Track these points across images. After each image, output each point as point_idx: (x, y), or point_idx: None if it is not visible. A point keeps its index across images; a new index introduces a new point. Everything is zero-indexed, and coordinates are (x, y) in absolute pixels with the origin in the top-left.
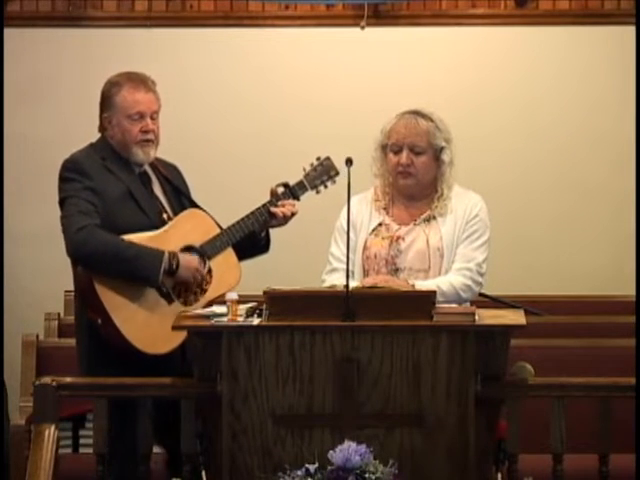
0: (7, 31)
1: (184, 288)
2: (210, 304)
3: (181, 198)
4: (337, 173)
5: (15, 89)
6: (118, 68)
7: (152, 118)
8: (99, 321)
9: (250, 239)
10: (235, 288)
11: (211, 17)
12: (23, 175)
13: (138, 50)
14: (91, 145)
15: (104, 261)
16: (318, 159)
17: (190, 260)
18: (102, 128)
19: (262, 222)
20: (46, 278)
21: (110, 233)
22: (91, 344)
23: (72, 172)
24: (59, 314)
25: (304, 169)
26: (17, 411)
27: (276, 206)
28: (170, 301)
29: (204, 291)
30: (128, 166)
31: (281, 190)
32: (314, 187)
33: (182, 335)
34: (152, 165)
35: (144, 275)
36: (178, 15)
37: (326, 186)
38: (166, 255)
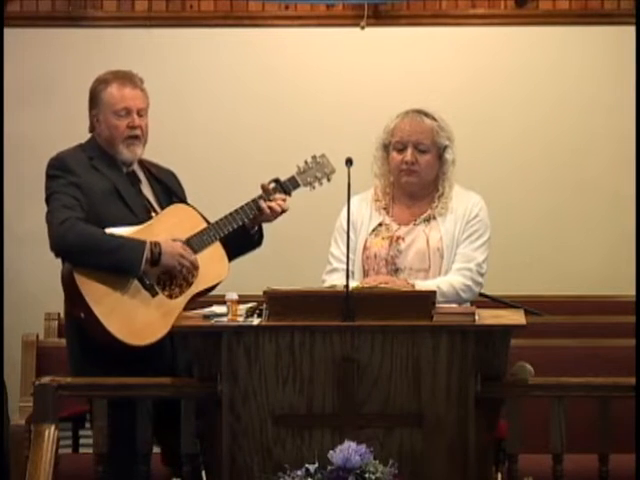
0: (7, 31)
1: (169, 281)
2: (195, 297)
3: (172, 198)
4: (333, 171)
5: (15, 89)
6: (118, 68)
7: (139, 115)
8: (82, 315)
9: (242, 234)
10: (235, 286)
11: (211, 17)
12: (23, 175)
13: (138, 50)
14: (80, 145)
15: (85, 253)
16: (313, 157)
17: (173, 246)
18: (92, 127)
19: (251, 217)
20: (46, 278)
21: (93, 226)
22: (79, 343)
23: (56, 169)
24: (59, 314)
25: (298, 166)
26: (17, 411)
27: (266, 201)
28: (154, 294)
29: (190, 284)
30: (115, 165)
31: (272, 186)
32: (307, 183)
33: (166, 327)
34: (143, 166)
35: (125, 266)
36: (178, 15)
37: (321, 183)
38: (148, 244)
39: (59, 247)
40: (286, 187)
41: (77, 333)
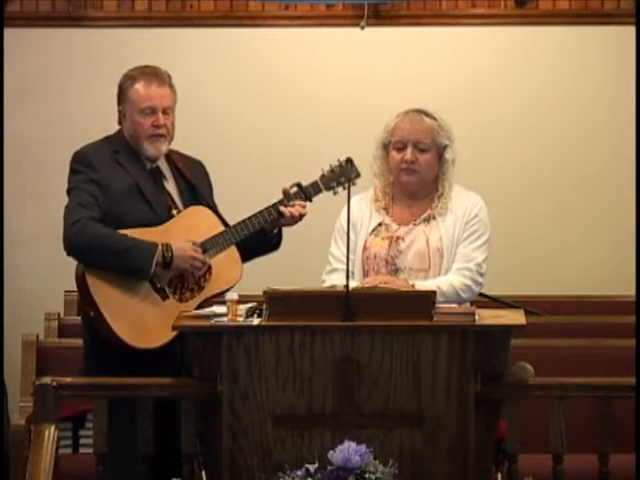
0: (7, 31)
1: (181, 284)
2: (207, 301)
3: (197, 196)
4: (358, 175)
5: (15, 89)
6: (118, 68)
7: (165, 113)
8: (91, 314)
9: (260, 236)
10: (235, 286)
11: (211, 17)
12: (23, 175)
13: (138, 50)
14: (107, 137)
15: (95, 254)
16: (339, 161)
17: (184, 248)
18: (120, 121)
19: (270, 221)
20: (46, 278)
21: (105, 226)
22: (91, 342)
23: (79, 164)
24: (59, 314)
25: (322, 170)
26: (17, 411)
27: (286, 206)
28: (164, 297)
29: (201, 288)
30: (139, 161)
31: (294, 190)
32: (330, 188)
33: (174, 331)
34: (169, 160)
35: (135, 267)
36: (178, 15)
37: (344, 187)
38: (159, 247)
39: (71, 247)
40: (307, 192)
41: (90, 331)
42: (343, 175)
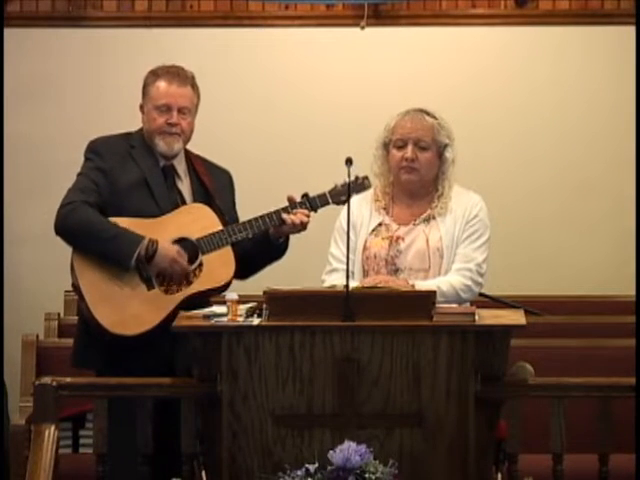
0: (7, 31)
1: (169, 276)
2: (193, 297)
3: (210, 201)
4: (369, 187)
5: (15, 89)
6: (118, 68)
7: (181, 112)
8: (77, 297)
9: (266, 241)
10: (234, 286)
11: (211, 17)
12: (23, 175)
13: (138, 50)
14: (128, 133)
15: (80, 237)
16: (356, 178)
17: (169, 249)
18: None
19: (272, 227)
20: (46, 278)
21: (98, 213)
22: (83, 327)
23: (89, 151)
24: (59, 314)
25: (335, 184)
26: (17, 411)
27: (289, 213)
28: (150, 287)
29: (189, 283)
30: (154, 157)
31: (300, 200)
32: (338, 202)
33: (155, 320)
34: (188, 162)
35: (117, 257)
36: (178, 15)
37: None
38: (145, 241)
39: (58, 227)
40: (314, 203)
41: (81, 322)
42: (354, 190)
